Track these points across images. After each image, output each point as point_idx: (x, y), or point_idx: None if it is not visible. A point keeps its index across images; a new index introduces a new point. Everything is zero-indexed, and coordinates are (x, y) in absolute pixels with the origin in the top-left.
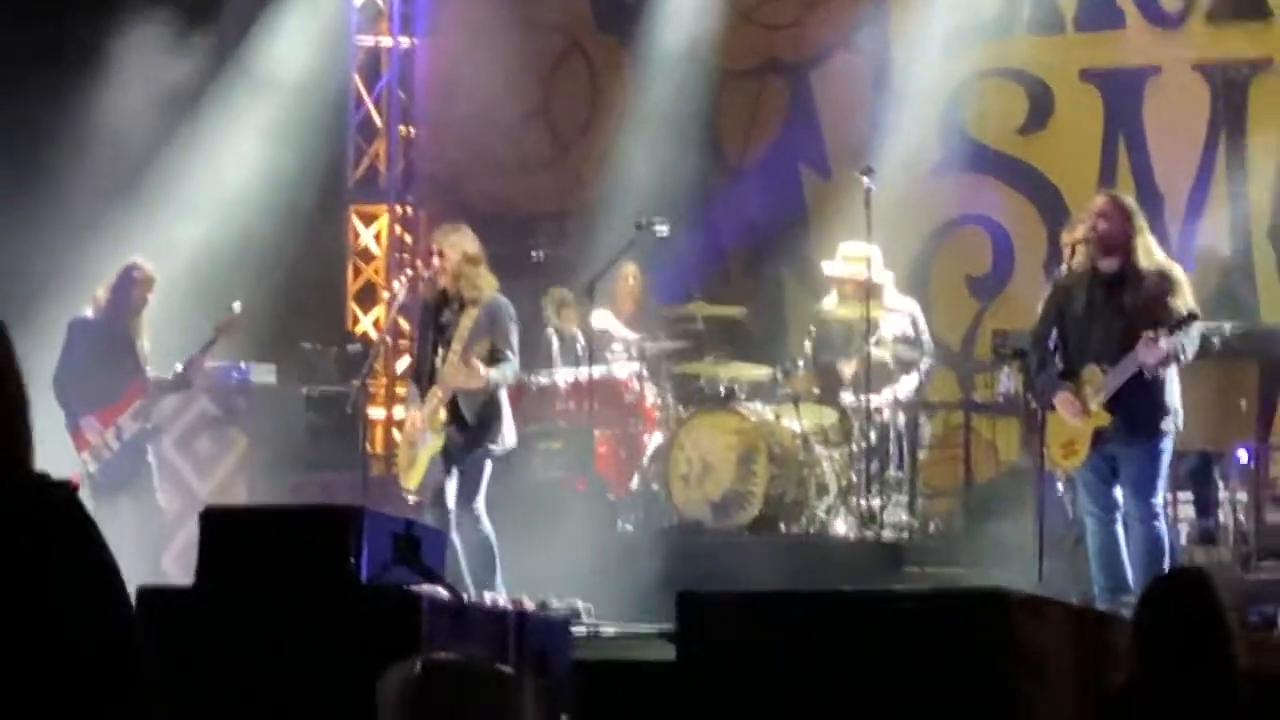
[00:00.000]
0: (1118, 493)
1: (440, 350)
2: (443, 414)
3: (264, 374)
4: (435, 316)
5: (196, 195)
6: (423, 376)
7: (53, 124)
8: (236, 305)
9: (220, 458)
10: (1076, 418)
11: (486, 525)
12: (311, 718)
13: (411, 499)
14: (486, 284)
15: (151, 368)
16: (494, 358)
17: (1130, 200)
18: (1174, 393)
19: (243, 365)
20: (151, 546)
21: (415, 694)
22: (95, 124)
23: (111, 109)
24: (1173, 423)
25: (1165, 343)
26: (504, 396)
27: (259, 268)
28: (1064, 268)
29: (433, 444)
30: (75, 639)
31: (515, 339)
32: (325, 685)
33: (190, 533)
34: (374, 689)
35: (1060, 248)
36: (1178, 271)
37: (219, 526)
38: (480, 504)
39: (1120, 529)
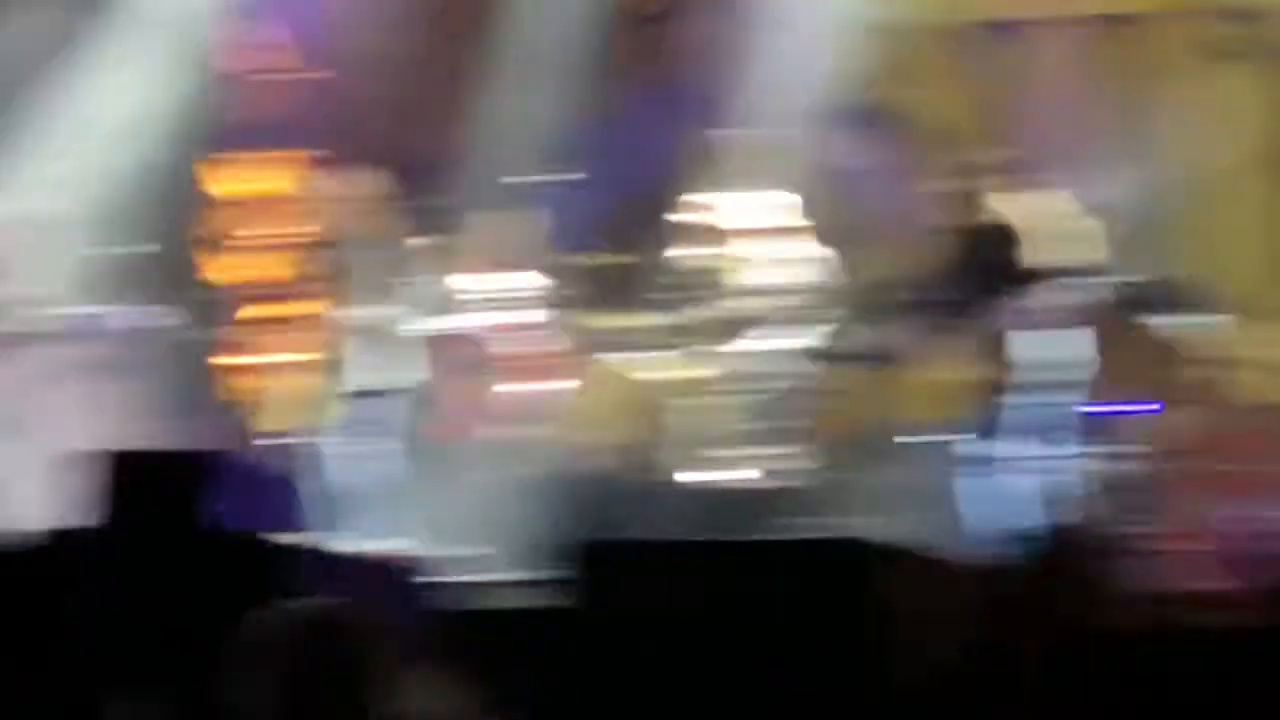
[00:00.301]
0: (988, 446)
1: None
2: (318, 356)
3: (130, 318)
4: (319, 258)
5: (76, 139)
6: (299, 319)
7: None
8: (116, 250)
9: (92, 403)
10: (947, 371)
11: (364, 468)
12: (173, 666)
13: (281, 442)
14: (375, 227)
15: (24, 313)
16: (373, 304)
17: (1001, 154)
18: (1052, 346)
19: (110, 310)
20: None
21: (283, 641)
22: None
23: None
24: (1049, 375)
25: (1038, 299)
26: None
27: (139, 213)
28: (936, 221)
29: (308, 386)
30: None
31: (396, 283)
32: (189, 633)
33: (62, 478)
34: (238, 636)
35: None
36: (1075, 225)
37: (90, 471)
38: (358, 446)
39: (989, 482)
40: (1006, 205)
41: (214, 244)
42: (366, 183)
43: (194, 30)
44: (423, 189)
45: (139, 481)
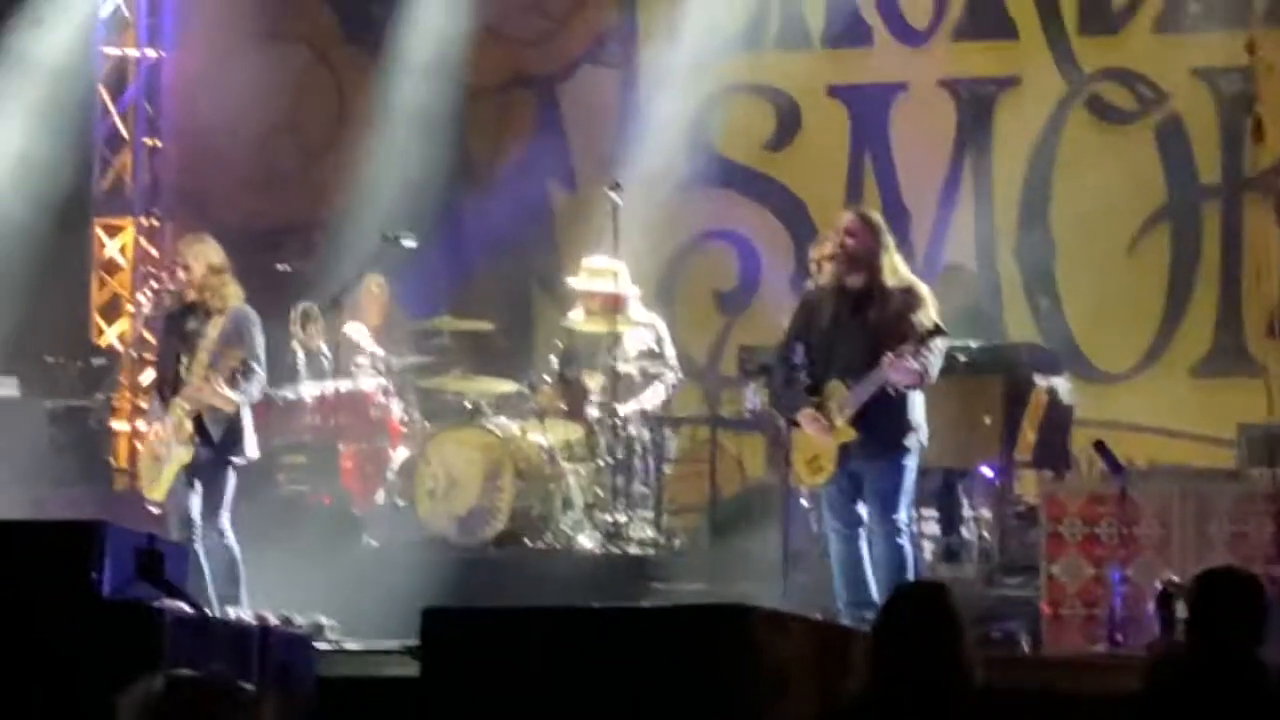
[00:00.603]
0: (862, 508)
1: (184, 360)
2: (188, 426)
3: (6, 387)
4: (179, 326)
5: None
6: (165, 387)
7: None
8: None
9: None
10: (822, 434)
11: (231, 539)
12: None
13: (156, 511)
14: (232, 294)
15: None
16: (240, 372)
17: (877, 216)
18: (918, 409)
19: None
20: None
21: (156, 710)
22: None
23: None
24: (916, 439)
25: (911, 360)
26: (246, 409)
27: (2, 280)
28: (810, 283)
29: (179, 456)
30: None
31: (261, 350)
32: (65, 701)
33: None
34: (114, 705)
35: (807, 264)
36: (923, 288)
37: None
38: (225, 518)
39: (864, 545)
40: (887, 269)
41: (106, 309)
42: (219, 251)
43: (59, 101)
44: (286, 257)
45: (20, 551)
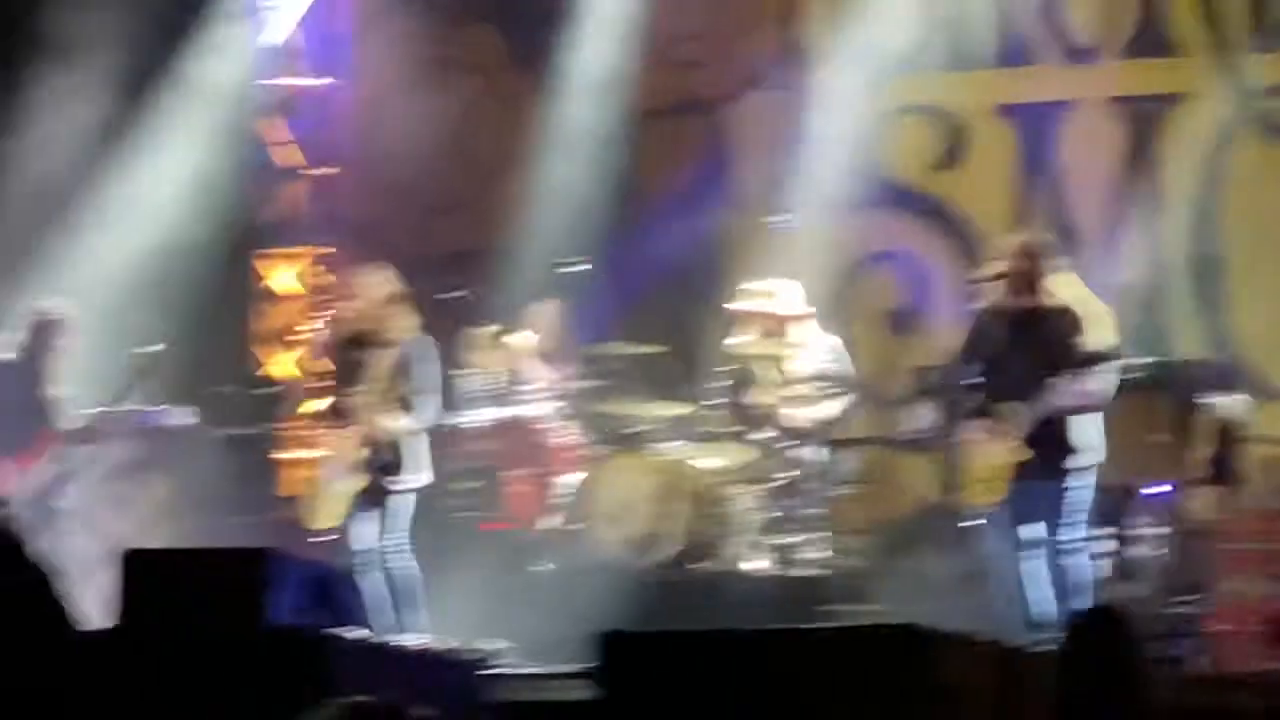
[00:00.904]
0: (1034, 529)
1: (357, 389)
2: (362, 453)
3: (181, 417)
4: (351, 355)
5: (112, 237)
6: (337, 416)
7: None
8: (153, 348)
9: (137, 501)
10: (994, 455)
11: (409, 564)
12: None
13: (327, 539)
14: (405, 324)
15: (67, 412)
16: (412, 399)
17: (1045, 237)
18: (1091, 429)
19: (160, 409)
20: (69, 591)
21: None
22: (6, 171)
23: (27, 151)
24: (1090, 458)
25: (1083, 382)
26: (419, 434)
27: (175, 310)
28: (980, 304)
29: (351, 483)
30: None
31: (437, 378)
32: None
33: (108, 577)
34: None
35: (975, 284)
36: (1094, 308)
37: (136, 569)
38: (400, 543)
39: (1036, 565)
40: (1053, 287)
41: (268, 338)
42: (393, 281)
43: (231, 131)
44: (458, 283)
45: (195, 580)
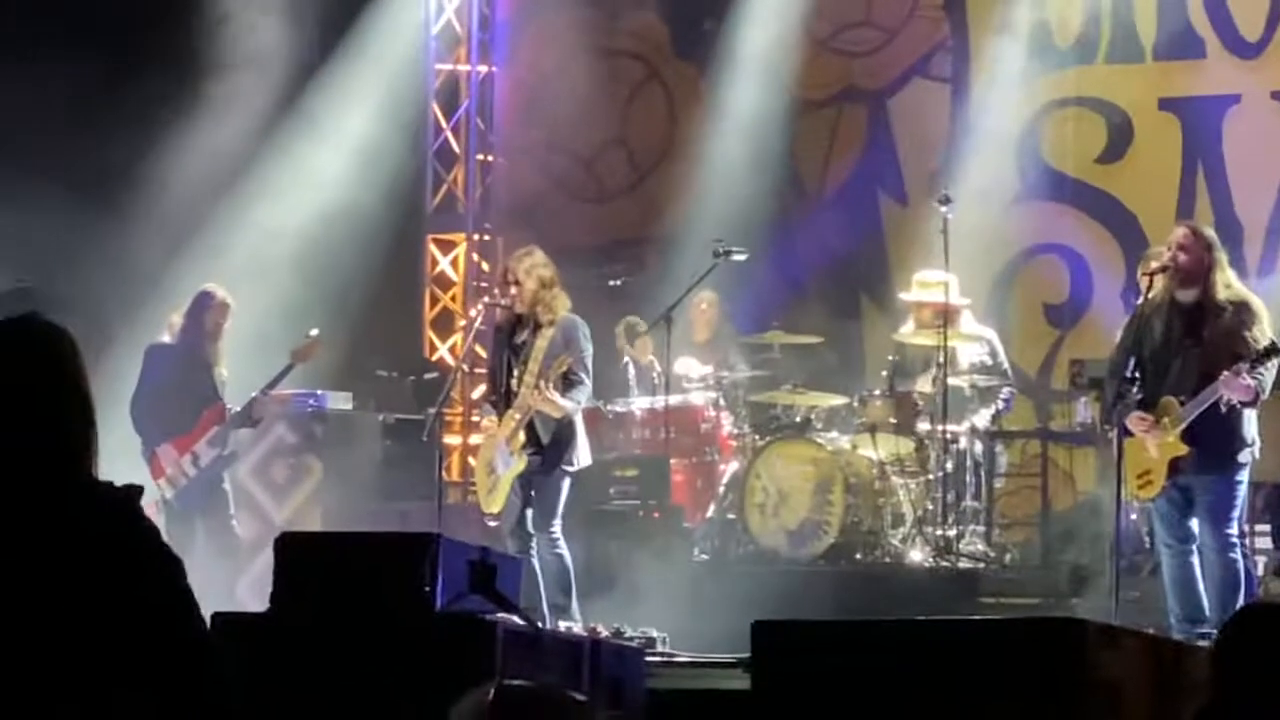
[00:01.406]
0: (1193, 523)
1: (516, 372)
2: (521, 436)
3: (340, 401)
4: (510, 338)
5: (275, 222)
6: (498, 400)
7: (132, 155)
8: (314, 331)
9: (296, 485)
10: (1153, 449)
11: (564, 550)
12: None
13: (491, 524)
14: (561, 306)
15: (230, 395)
16: (569, 379)
17: (1210, 231)
18: (1251, 425)
19: (319, 393)
20: (227, 574)
21: (490, 718)
22: (173, 158)
23: (190, 142)
24: (1249, 454)
25: (1247, 377)
26: (579, 416)
27: (337, 295)
28: (1142, 298)
29: (514, 467)
30: (149, 629)
31: (590, 360)
32: (400, 713)
33: (266, 560)
34: (448, 716)
35: (1138, 278)
36: (1256, 303)
37: (295, 553)
38: (558, 528)
39: (1195, 560)
40: (1220, 284)
41: (438, 323)
42: (550, 264)
43: (393, 118)
44: (617, 271)
45: (355, 564)
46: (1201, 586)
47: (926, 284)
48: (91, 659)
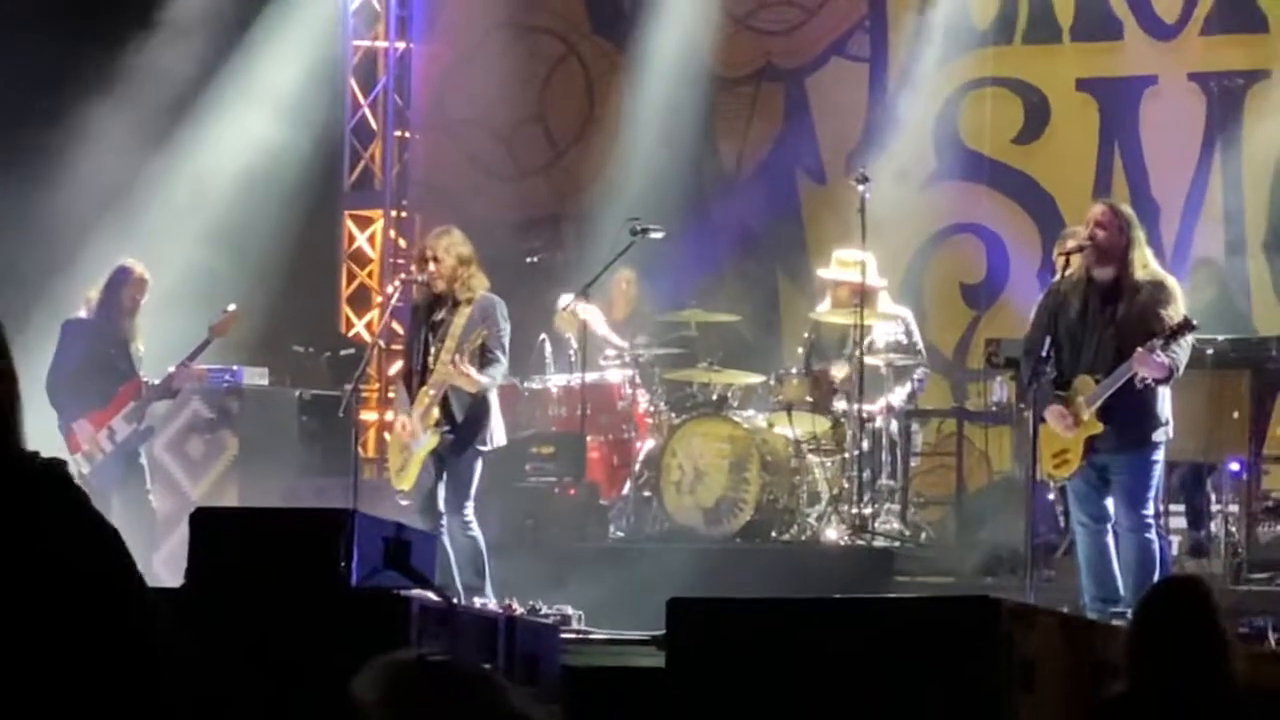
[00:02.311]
0: (1108, 503)
1: (433, 350)
2: (435, 413)
3: (256, 377)
4: (428, 316)
5: (190, 198)
6: (413, 377)
7: (48, 133)
8: (231, 306)
9: (212, 460)
10: (1068, 430)
11: (475, 529)
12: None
13: (404, 502)
14: (479, 284)
15: (145, 370)
16: (485, 356)
17: (1128, 210)
18: (1165, 403)
19: (235, 368)
20: (143, 548)
21: (405, 689)
22: (88, 132)
23: (105, 115)
24: (1164, 433)
25: (1160, 354)
26: (494, 395)
27: (254, 270)
28: (1059, 275)
29: (427, 444)
30: (89, 602)
31: (506, 338)
32: (313, 688)
33: (181, 535)
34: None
35: (1054, 258)
36: (1172, 282)
37: (210, 528)
38: (470, 507)
39: (1110, 539)
40: (1137, 262)
41: (355, 299)
42: (467, 243)
43: (309, 94)
44: (535, 248)
45: (270, 539)
46: (1116, 567)
47: (845, 263)
48: (33, 633)
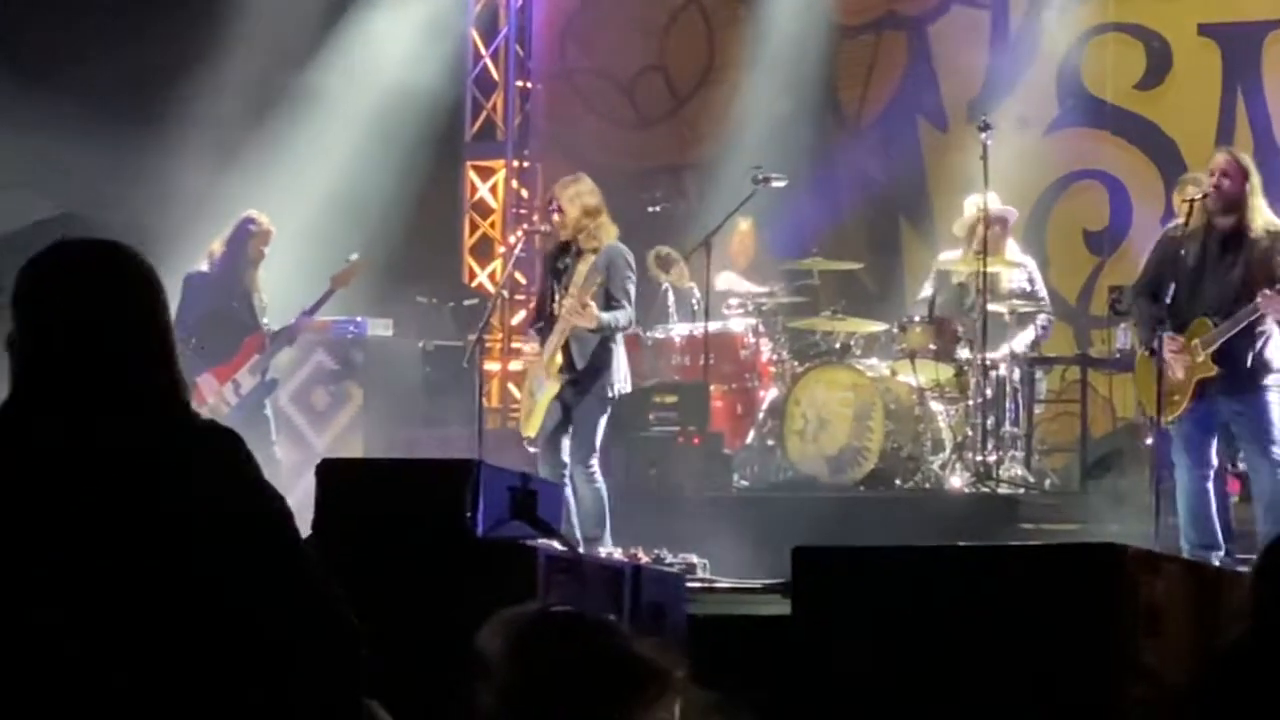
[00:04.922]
0: (1213, 448)
1: (557, 297)
2: (559, 359)
3: (380, 328)
4: (554, 265)
5: (314, 150)
6: (542, 324)
7: (170, 82)
8: (354, 256)
9: (337, 411)
10: (1180, 369)
11: (600, 479)
12: (428, 673)
13: (531, 449)
14: (606, 234)
15: (268, 322)
16: (609, 303)
17: (1247, 158)
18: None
19: (359, 319)
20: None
21: (529, 641)
22: (211, 82)
23: (229, 66)
24: (1277, 378)
25: (1276, 303)
26: (618, 342)
27: (376, 222)
28: (1183, 221)
29: (550, 390)
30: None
31: (632, 287)
32: (441, 639)
33: (307, 486)
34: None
35: (1174, 204)
36: None
37: (335, 479)
38: (595, 461)
39: (1211, 485)
40: (1256, 210)
41: (477, 250)
42: (595, 191)
43: (432, 45)
44: (656, 198)
45: (395, 490)
46: (1214, 512)
47: (977, 210)
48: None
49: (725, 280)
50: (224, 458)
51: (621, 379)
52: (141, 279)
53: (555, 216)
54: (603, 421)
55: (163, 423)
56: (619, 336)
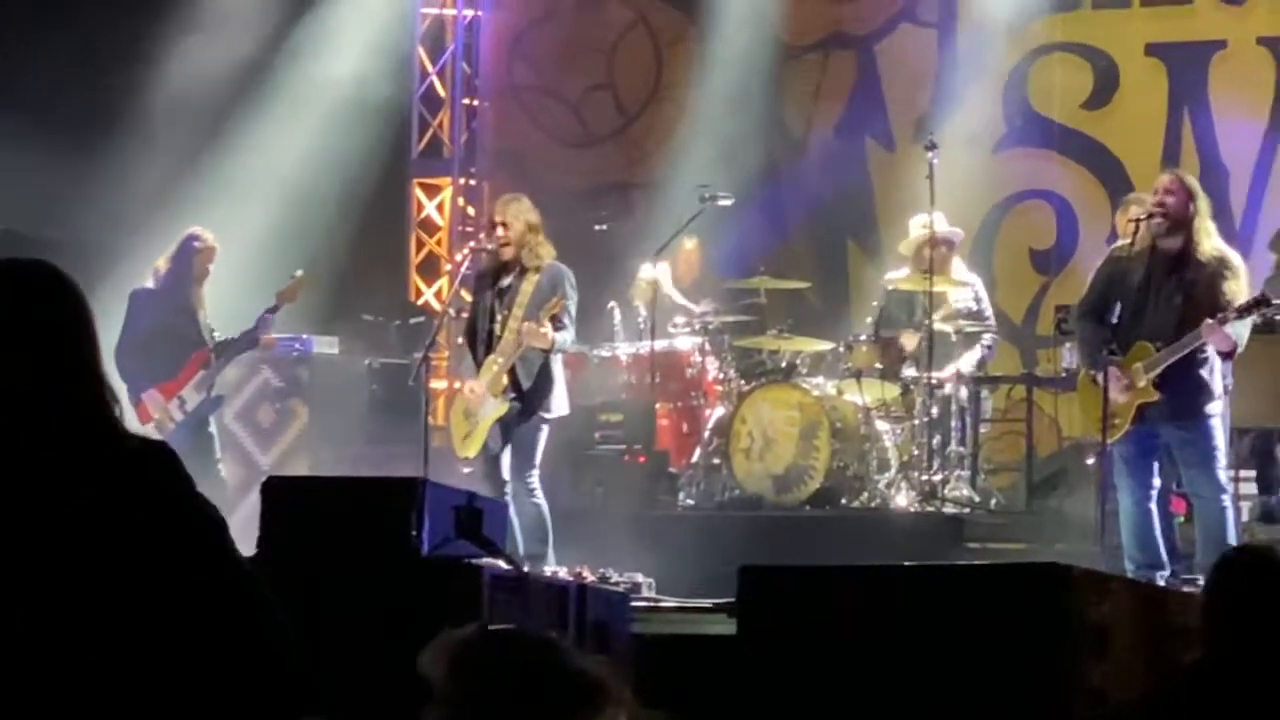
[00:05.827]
0: (1155, 469)
1: (499, 317)
2: (503, 380)
3: (326, 346)
4: (494, 283)
5: (259, 167)
6: (479, 345)
7: (117, 99)
8: (299, 272)
9: (282, 429)
10: (1121, 394)
11: (540, 496)
12: (372, 691)
13: (467, 470)
14: (546, 252)
15: (217, 333)
16: (555, 323)
17: (1194, 180)
18: (1219, 376)
19: (305, 337)
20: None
21: (470, 660)
22: (157, 99)
23: (175, 83)
24: (1218, 405)
25: (1230, 328)
26: (558, 364)
27: (322, 239)
28: (1128, 241)
29: (495, 411)
30: (205, 579)
31: (574, 308)
32: (386, 658)
33: (252, 504)
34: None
35: (1118, 225)
36: (1237, 258)
37: (281, 497)
38: (535, 477)
39: (1153, 505)
40: (1202, 233)
41: (424, 267)
42: (535, 210)
43: (378, 62)
44: (603, 216)
45: (341, 508)
46: (1158, 532)
47: (925, 225)
48: (145, 615)
49: (671, 301)
50: (148, 472)
51: (561, 401)
52: (49, 293)
53: (500, 232)
54: (543, 440)
55: (79, 438)
56: (559, 357)
